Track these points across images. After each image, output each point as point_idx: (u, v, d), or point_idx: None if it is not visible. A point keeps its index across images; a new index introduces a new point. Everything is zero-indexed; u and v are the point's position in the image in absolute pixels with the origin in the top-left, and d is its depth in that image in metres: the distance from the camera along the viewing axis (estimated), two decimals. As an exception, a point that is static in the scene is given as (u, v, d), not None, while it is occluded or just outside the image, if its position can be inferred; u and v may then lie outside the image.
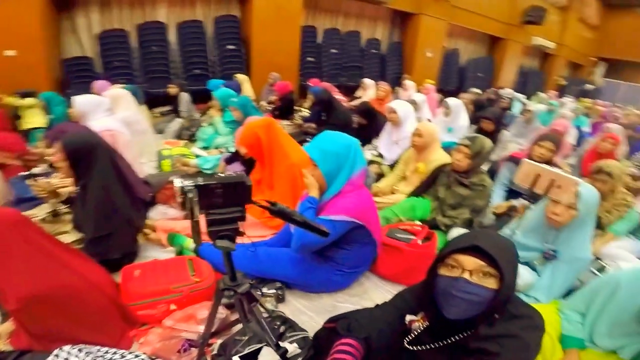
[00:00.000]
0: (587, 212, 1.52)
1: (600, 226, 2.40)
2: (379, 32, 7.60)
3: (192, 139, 3.88)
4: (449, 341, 0.87)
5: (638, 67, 12.99)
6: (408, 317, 0.96)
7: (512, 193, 2.72)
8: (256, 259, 1.60)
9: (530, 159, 2.10)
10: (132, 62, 4.91)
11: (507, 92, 7.55)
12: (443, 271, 0.85)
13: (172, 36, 5.23)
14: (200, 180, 0.79)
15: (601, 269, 2.02)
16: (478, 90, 7.07)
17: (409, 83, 5.81)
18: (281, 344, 1.07)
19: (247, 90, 4.99)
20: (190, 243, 1.77)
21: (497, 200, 2.58)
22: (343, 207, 1.42)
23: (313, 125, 4.05)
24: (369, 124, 3.70)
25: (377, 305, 1.11)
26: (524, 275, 1.64)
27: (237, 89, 4.56)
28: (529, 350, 0.83)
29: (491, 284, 0.80)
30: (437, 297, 0.87)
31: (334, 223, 1.38)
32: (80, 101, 2.35)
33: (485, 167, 2.61)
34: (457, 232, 2.03)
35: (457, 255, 0.83)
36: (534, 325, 0.86)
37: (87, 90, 3.08)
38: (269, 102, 4.95)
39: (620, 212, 2.36)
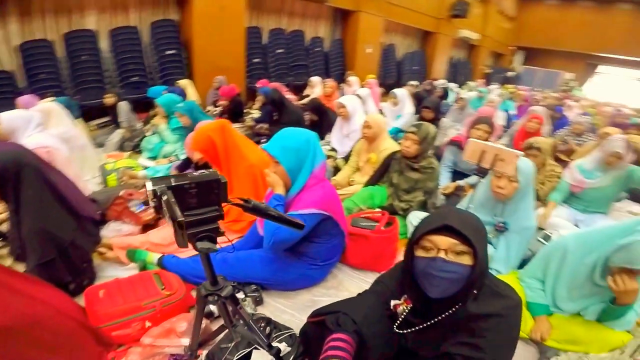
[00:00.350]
0: (527, 183, 1.70)
1: (538, 198, 2.73)
2: (321, 31, 7.73)
3: (136, 149, 3.65)
4: (438, 319, 0.90)
5: (551, 54, 14.73)
6: (393, 302, 0.98)
7: (456, 174, 2.98)
8: (226, 263, 1.58)
9: (470, 141, 2.31)
10: (60, 73, 4.47)
11: (441, 82, 8.15)
12: (419, 253, 0.87)
13: (103, 44, 4.86)
14: (173, 181, 0.75)
15: (547, 238, 2.24)
16: (415, 83, 7.52)
17: (352, 79, 5.99)
18: (273, 344, 1.06)
19: (192, 95, 4.79)
20: (153, 257, 1.68)
21: (445, 182, 2.81)
22: (311, 200, 1.45)
23: (265, 125, 4.03)
24: (320, 120, 3.78)
25: (359, 295, 1.12)
26: None
27: (182, 94, 4.36)
28: (514, 329, 0.87)
29: (466, 260, 0.83)
30: (418, 278, 0.89)
31: (304, 217, 1.40)
32: (7, 118, 2.09)
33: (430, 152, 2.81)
34: (414, 215, 2.15)
35: (431, 235, 0.85)
36: (515, 304, 0.88)
37: (11, 106, 2.74)
38: (215, 106, 4.81)
39: (552, 183, 2.68)
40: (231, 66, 5.62)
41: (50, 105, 2.76)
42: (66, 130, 2.61)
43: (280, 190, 1.50)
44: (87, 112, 4.21)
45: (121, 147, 3.70)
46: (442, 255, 0.83)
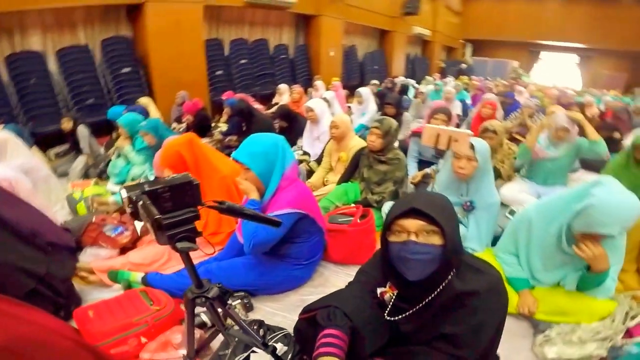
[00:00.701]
0: (485, 161, 1.82)
1: (501, 176, 2.94)
2: (285, 37, 7.73)
3: (102, 176, 3.50)
4: (426, 302, 0.92)
5: (497, 44, 15.72)
6: (379, 290, 0.99)
7: (423, 163, 3.14)
8: (210, 274, 1.58)
9: (429, 130, 2.46)
10: (6, 99, 4.17)
11: (401, 79, 8.48)
12: (392, 238, 0.90)
13: (52, 65, 4.59)
14: (147, 186, 0.78)
15: (512, 213, 2.39)
16: (376, 82, 7.78)
17: (319, 83, 6.11)
18: (268, 343, 1.07)
19: (154, 112, 4.65)
20: (136, 276, 1.67)
21: (412, 172, 2.95)
22: (285, 200, 1.49)
23: (234, 137, 4.02)
24: (290, 126, 3.83)
25: (345, 287, 1.12)
26: None
27: (144, 113, 4.25)
28: (501, 301, 0.90)
29: (436, 240, 0.85)
30: (395, 263, 0.90)
31: (280, 217, 1.43)
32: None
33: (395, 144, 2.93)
34: (387, 205, 2.25)
35: (400, 220, 0.87)
36: (497, 278, 0.91)
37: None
38: (179, 122, 4.72)
39: (511, 161, 2.92)
40: (193, 80, 5.51)
41: (3, 134, 2.60)
42: (26, 161, 2.47)
43: (254, 196, 1.53)
44: (42, 141, 4.00)
45: (86, 175, 3.54)
46: (412, 238, 0.85)
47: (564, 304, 1.44)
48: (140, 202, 0.73)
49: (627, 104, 6.63)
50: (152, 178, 2.92)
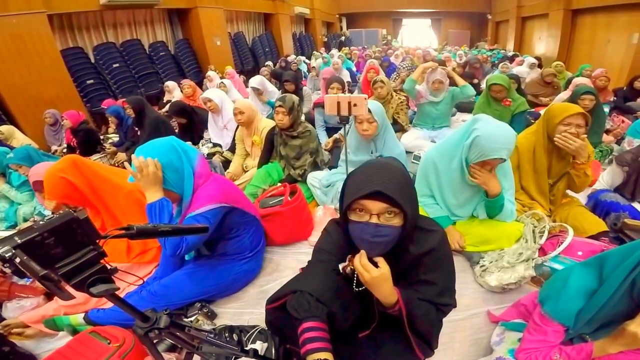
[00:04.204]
0: (382, 119, 1.91)
1: (402, 128, 3.20)
2: (160, 34, 6.86)
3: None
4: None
5: (367, 15, 16.86)
6: (340, 266, 0.95)
7: (331, 130, 3.21)
8: (155, 296, 1.37)
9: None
10: None
11: (293, 57, 8.41)
12: (353, 216, 0.84)
13: None
14: (18, 238, 0.56)
15: (416, 158, 2.62)
16: (270, 63, 7.57)
17: (212, 74, 5.60)
18: (246, 347, 0.96)
19: (22, 139, 3.75)
20: (77, 318, 1.38)
21: (324, 140, 2.99)
22: (205, 196, 1.30)
23: (129, 144, 3.47)
24: (190, 122, 3.43)
25: (307, 268, 1.06)
26: None
27: (7, 146, 3.33)
28: (449, 253, 0.94)
29: (397, 221, 0.82)
30: (355, 242, 0.87)
31: (204, 215, 1.27)
32: None
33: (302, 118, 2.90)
34: (311, 176, 2.23)
35: (362, 200, 0.81)
36: (443, 234, 0.93)
37: None
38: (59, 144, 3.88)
39: (404, 111, 3.24)
40: (58, 95, 4.55)
41: None
42: None
43: (157, 191, 1.24)
44: None
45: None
46: (374, 220, 0.81)
47: (484, 233, 1.54)
48: (17, 260, 0.54)
49: (475, 55, 7.81)
50: (46, 213, 2.35)
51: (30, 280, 1.66)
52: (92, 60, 5.41)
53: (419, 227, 0.92)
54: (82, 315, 1.38)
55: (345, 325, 0.92)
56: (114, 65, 5.59)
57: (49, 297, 1.63)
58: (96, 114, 5.14)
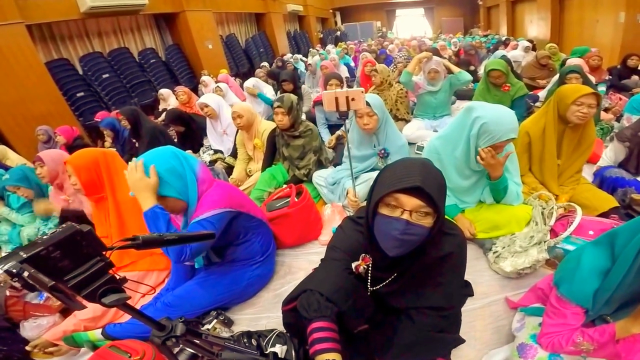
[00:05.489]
0: (382, 112, 1.93)
1: (402, 118, 3.22)
2: (149, 41, 6.86)
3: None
4: (405, 270, 0.92)
5: (361, 8, 16.85)
6: (353, 265, 0.94)
7: (333, 127, 3.22)
8: (171, 307, 1.39)
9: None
10: None
11: (289, 56, 8.42)
12: (383, 210, 0.82)
13: None
14: (23, 253, 0.58)
15: (420, 148, 2.68)
16: (266, 64, 7.57)
17: (206, 78, 5.62)
18: (266, 352, 0.97)
19: (16, 159, 3.72)
20: (95, 334, 1.41)
21: (326, 137, 3.01)
22: (210, 202, 1.32)
23: (127, 157, 3.48)
24: (188, 129, 3.44)
25: (320, 267, 1.04)
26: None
27: (1, 166, 3.35)
28: (464, 258, 0.95)
29: (428, 222, 0.80)
30: (378, 235, 0.85)
31: (209, 220, 1.28)
32: None
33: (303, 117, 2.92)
34: (317, 175, 2.23)
35: (399, 194, 0.78)
36: (462, 238, 0.94)
37: None
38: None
39: (404, 101, 3.27)
40: (48, 110, 4.50)
41: None
42: None
43: (148, 198, 1.21)
44: None
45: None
46: (406, 216, 0.79)
47: (493, 218, 1.56)
48: (26, 273, 0.56)
49: (470, 42, 7.80)
50: (50, 230, 2.39)
51: (44, 298, 1.70)
52: (80, 72, 5.38)
53: (440, 230, 0.91)
54: (100, 330, 1.41)
55: (358, 325, 0.93)
56: (104, 76, 5.55)
57: (64, 314, 1.66)
58: (90, 128, 5.12)
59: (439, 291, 0.91)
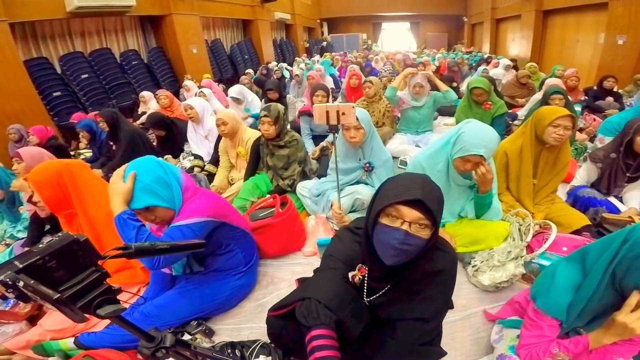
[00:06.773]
0: (369, 126, 1.97)
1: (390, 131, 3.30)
2: (132, 43, 6.76)
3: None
4: (397, 282, 0.95)
5: (347, 20, 17.28)
6: (350, 274, 0.96)
7: (317, 138, 3.26)
8: (150, 317, 1.35)
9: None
10: None
11: (274, 64, 8.48)
12: (385, 220, 0.85)
13: None
14: (19, 263, 0.57)
15: (403, 163, 2.75)
16: (250, 71, 7.59)
17: (189, 83, 5.57)
18: None
19: (-17, 159, 3.57)
20: (66, 343, 1.34)
21: (310, 148, 3.04)
22: (193, 209, 1.30)
23: (104, 160, 3.39)
24: (168, 134, 3.38)
25: (316, 275, 1.06)
26: (363, 191, 2.02)
27: None
28: (454, 276, 0.98)
29: (425, 234, 0.84)
30: (376, 244, 0.88)
31: (189, 227, 1.26)
32: None
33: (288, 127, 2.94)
34: (301, 185, 2.26)
35: (400, 206, 0.82)
36: (454, 255, 0.99)
37: None
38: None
39: (390, 117, 3.35)
40: (22, 109, 4.38)
41: None
42: None
43: (117, 203, 1.20)
44: None
45: None
46: (405, 227, 0.82)
47: (473, 233, 1.62)
48: (21, 283, 0.54)
49: (453, 59, 8.16)
50: (20, 235, 2.31)
51: (10, 305, 1.60)
52: (59, 71, 5.25)
53: (433, 245, 0.94)
54: (73, 339, 1.35)
55: (355, 334, 0.94)
56: (83, 76, 5.45)
57: (32, 322, 1.58)
58: (65, 129, 4.98)
59: (426, 304, 0.95)
